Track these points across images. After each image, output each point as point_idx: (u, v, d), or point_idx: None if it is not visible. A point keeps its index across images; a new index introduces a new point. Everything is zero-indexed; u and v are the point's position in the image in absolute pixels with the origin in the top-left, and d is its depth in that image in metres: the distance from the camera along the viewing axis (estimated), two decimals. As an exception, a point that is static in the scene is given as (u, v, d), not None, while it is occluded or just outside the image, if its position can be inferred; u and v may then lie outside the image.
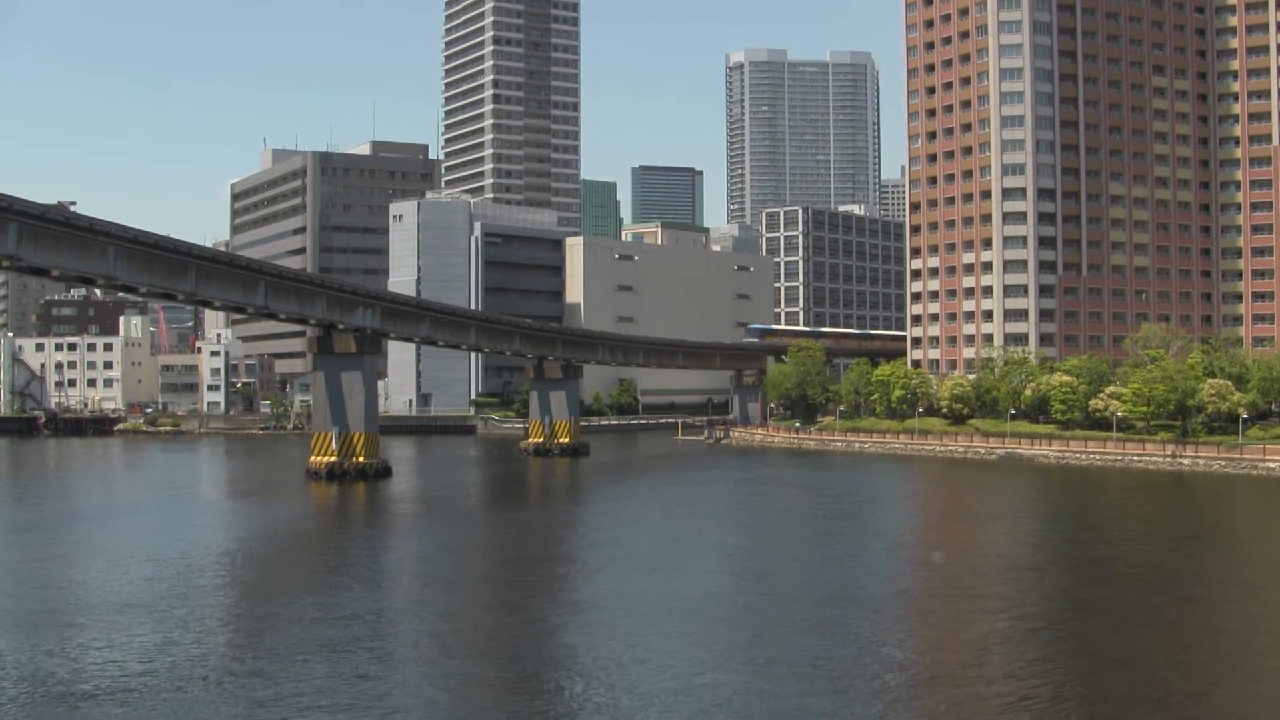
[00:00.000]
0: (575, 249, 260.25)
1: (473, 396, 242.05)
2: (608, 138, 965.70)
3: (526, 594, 61.40)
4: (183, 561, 69.45)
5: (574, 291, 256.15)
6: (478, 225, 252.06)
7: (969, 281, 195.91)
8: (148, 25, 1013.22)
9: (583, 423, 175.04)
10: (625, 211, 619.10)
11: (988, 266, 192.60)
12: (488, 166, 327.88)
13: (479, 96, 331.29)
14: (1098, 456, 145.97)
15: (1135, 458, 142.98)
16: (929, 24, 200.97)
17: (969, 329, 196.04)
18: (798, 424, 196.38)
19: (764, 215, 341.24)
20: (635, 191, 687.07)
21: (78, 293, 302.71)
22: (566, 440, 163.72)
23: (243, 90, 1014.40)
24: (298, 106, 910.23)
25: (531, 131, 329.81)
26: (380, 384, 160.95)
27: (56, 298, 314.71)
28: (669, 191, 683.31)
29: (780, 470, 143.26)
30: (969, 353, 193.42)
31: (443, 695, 42.63)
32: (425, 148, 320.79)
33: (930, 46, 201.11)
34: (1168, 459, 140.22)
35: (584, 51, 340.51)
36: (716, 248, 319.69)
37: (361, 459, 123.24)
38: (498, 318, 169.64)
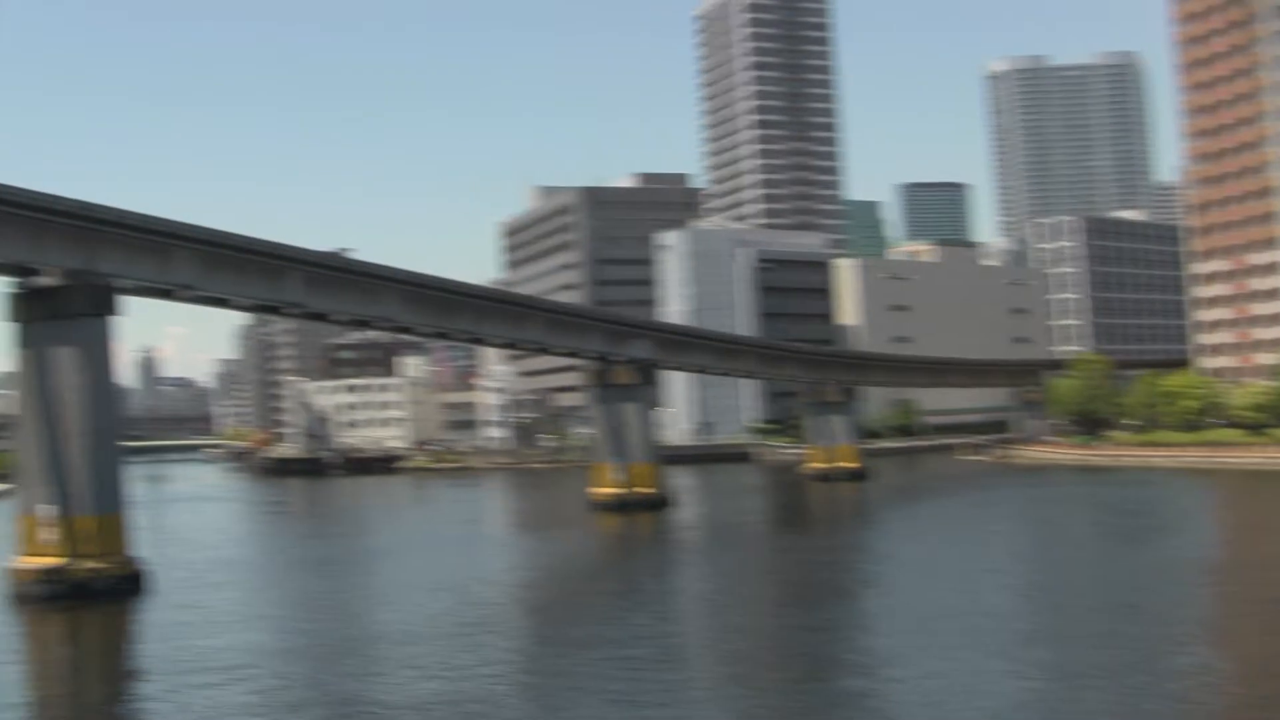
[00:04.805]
0: (844, 270, 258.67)
1: (751, 423, 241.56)
2: (869, 155, 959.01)
3: (822, 615, 60.84)
4: (476, 591, 70.68)
5: (845, 313, 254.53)
6: (746, 252, 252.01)
7: (1261, 284, 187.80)
8: (410, 74, 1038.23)
9: (862, 446, 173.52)
10: (893, 230, 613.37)
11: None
12: (751, 193, 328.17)
13: (737, 122, 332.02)
14: None
15: None
16: (1198, 16, 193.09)
17: (1262, 333, 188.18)
18: (1085, 439, 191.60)
19: (1035, 226, 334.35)
20: (902, 209, 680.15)
21: (360, 336, 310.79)
22: (847, 464, 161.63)
23: (507, 128, 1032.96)
24: (561, 142, 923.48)
25: (793, 154, 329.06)
26: (658, 414, 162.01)
27: (340, 342, 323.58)
28: (936, 207, 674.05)
29: (1071, 488, 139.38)
30: (1265, 358, 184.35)
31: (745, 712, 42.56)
32: (689, 177, 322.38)
33: (1201, 39, 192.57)
34: None
35: (840, 71, 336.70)
36: (987, 262, 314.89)
37: (643, 489, 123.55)
38: (772, 343, 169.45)
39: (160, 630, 60.57)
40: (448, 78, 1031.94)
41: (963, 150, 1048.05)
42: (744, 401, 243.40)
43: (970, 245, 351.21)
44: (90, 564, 69.12)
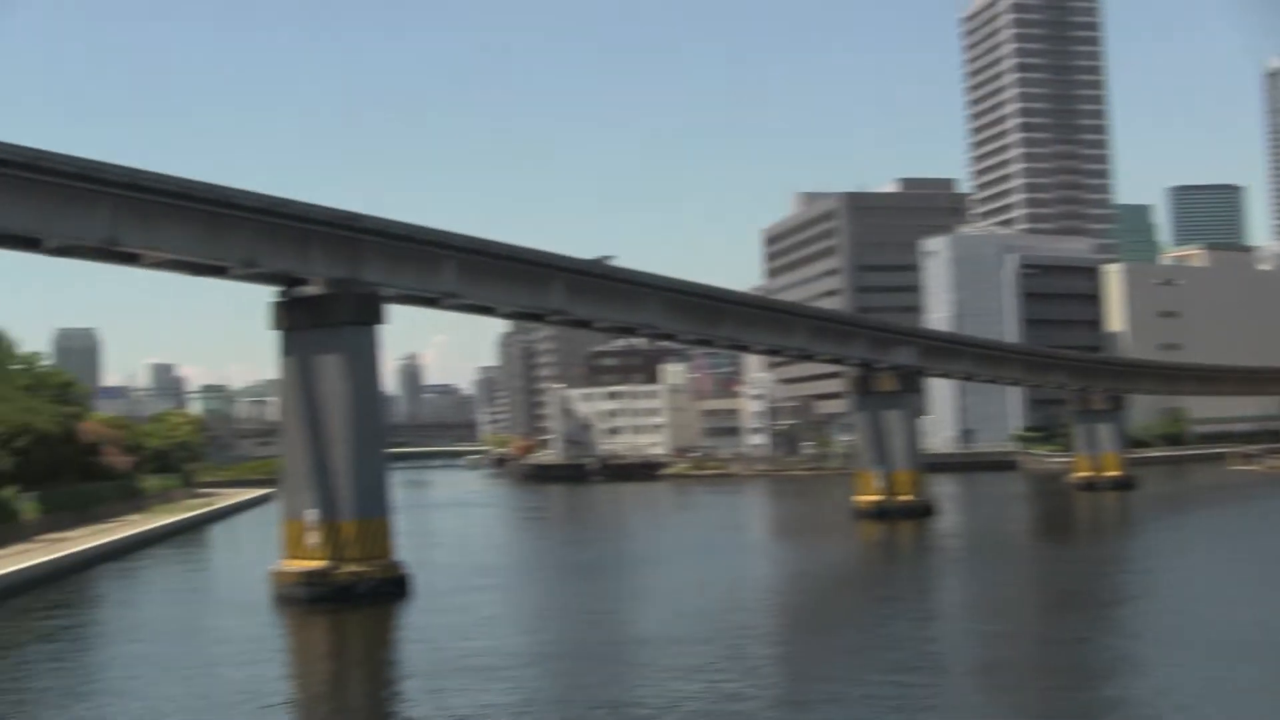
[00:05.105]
0: (1112, 276, 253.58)
1: (1014, 431, 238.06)
2: (1138, 157, 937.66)
3: (1090, 627, 59.16)
4: (738, 596, 70.25)
5: (1113, 320, 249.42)
6: (1011, 258, 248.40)
7: None
8: (673, 83, 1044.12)
9: (1129, 454, 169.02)
10: (1163, 234, 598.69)
11: None
12: (1017, 197, 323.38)
13: (1004, 126, 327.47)
14: None
15: None
16: None
17: None
18: None
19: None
20: (1173, 212, 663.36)
21: (621, 343, 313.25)
22: (1113, 473, 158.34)
23: (772, 135, 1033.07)
24: (825, 148, 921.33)
25: (1060, 159, 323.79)
26: (921, 421, 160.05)
27: (601, 349, 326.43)
28: (1208, 210, 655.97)
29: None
30: None
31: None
32: (953, 182, 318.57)
33: None
34: None
35: (1109, 71, 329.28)
36: (1263, 266, 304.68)
37: (906, 497, 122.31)
38: (1037, 350, 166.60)
39: (421, 632, 61.59)
40: (711, 84, 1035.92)
41: (1237, 151, 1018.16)
42: (1006, 409, 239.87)
43: (1245, 249, 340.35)
44: (353, 567, 70.34)
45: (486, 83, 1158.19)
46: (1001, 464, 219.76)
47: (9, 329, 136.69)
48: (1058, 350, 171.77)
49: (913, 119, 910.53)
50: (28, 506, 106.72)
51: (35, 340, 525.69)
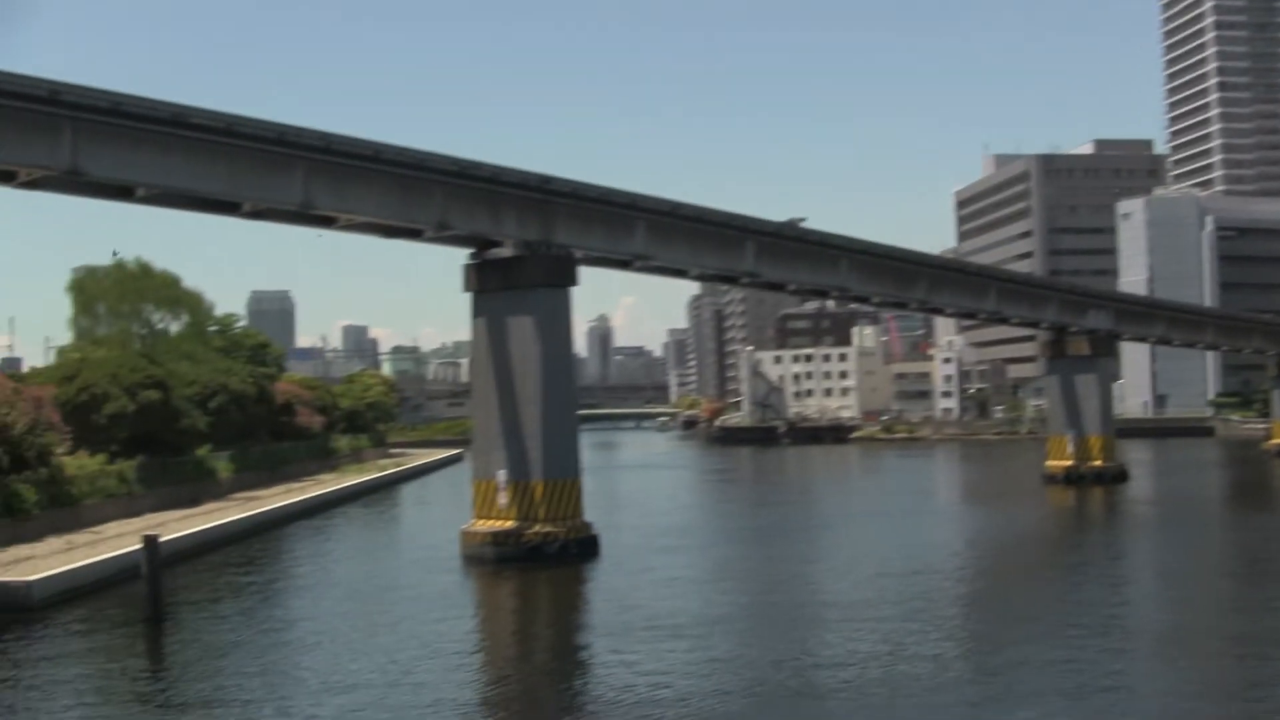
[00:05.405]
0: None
1: (1210, 397, 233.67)
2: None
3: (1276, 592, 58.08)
4: (922, 561, 69.78)
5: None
6: (1209, 220, 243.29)
7: None
8: (869, 46, 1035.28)
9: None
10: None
11: None
12: (1216, 158, 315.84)
13: (1203, 86, 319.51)
14: None
15: None
16: None
17: None
18: None
19: None
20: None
21: (811, 306, 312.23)
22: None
23: (962, 96, 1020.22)
24: (1016, 109, 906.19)
25: (1260, 118, 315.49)
26: (1114, 386, 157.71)
27: (791, 311, 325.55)
28: None
29: None
30: None
31: (1186, 691, 40.39)
32: (1149, 143, 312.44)
33: None
34: None
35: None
36: None
37: (1098, 462, 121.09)
38: (1235, 314, 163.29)
39: (609, 592, 62.25)
40: (903, 44, 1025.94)
41: None
42: (1200, 374, 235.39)
43: None
44: (542, 528, 71.07)
45: (680, 42, 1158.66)
46: (1195, 429, 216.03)
47: (206, 291, 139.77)
48: (1255, 314, 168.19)
49: (1108, 79, 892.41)
50: (221, 465, 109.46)
51: (231, 302, 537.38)
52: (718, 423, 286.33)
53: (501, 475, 72.49)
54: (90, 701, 41.35)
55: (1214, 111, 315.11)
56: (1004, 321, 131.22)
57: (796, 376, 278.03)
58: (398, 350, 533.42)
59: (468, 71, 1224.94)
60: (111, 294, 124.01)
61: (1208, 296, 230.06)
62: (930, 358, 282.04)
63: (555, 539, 71.06)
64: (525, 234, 74.03)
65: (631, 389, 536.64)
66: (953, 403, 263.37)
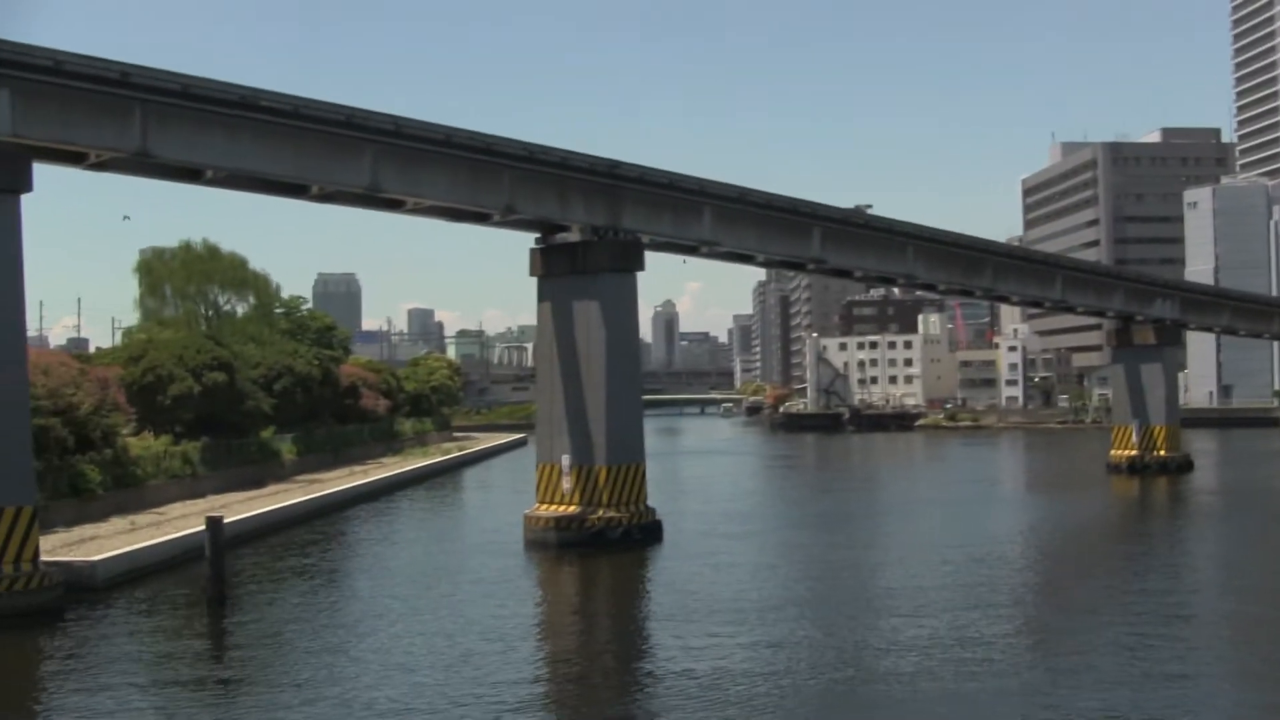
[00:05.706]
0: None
1: (1276, 387, 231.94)
2: None
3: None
4: (985, 549, 69.60)
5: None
6: (1276, 209, 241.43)
7: None
8: (937, 32, 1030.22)
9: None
10: None
11: None
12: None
13: (1271, 75, 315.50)
14: None
15: None
16: None
17: None
18: None
19: None
20: None
21: (877, 293, 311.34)
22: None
23: (1029, 84, 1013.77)
24: (1083, 97, 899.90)
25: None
26: (1179, 376, 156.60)
27: (857, 298, 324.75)
28: None
29: None
30: None
31: (1251, 680, 40.24)
32: (1217, 131, 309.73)
33: None
34: None
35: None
36: None
37: (1162, 452, 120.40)
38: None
39: (670, 578, 62.34)
40: (970, 32, 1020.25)
41: None
42: (1266, 364, 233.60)
43: None
44: (606, 513, 71.18)
45: (751, 32, 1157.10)
46: (1260, 420, 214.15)
47: (272, 273, 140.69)
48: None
49: (1176, 67, 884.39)
50: (285, 448, 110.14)
51: (298, 285, 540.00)
52: (782, 409, 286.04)
53: (565, 460, 72.66)
54: (150, 680, 41.90)
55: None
56: (1070, 310, 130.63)
57: (861, 364, 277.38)
58: (463, 334, 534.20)
59: (518, 62, 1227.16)
60: (178, 275, 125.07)
61: (1274, 286, 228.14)
62: (995, 346, 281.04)
63: (618, 524, 71.20)
64: (592, 219, 74.15)
65: (696, 375, 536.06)
66: (1017, 391, 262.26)
